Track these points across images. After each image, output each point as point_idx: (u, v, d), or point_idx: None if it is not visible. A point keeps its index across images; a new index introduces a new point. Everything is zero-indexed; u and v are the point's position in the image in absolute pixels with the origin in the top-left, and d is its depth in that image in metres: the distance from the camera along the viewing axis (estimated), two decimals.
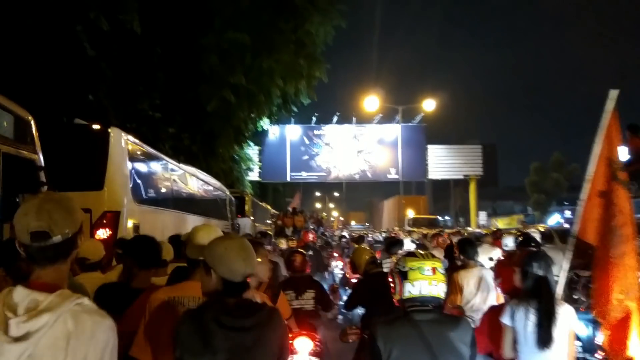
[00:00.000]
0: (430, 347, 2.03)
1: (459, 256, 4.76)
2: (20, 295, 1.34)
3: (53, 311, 1.30)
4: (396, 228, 27.74)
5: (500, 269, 3.70)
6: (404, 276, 2.19)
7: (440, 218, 32.60)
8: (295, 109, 24.36)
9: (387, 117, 30.68)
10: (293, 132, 30.54)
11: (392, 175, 31.12)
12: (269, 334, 1.89)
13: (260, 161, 28.52)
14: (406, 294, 2.17)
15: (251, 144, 24.81)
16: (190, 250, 2.42)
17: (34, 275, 1.40)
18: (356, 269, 4.69)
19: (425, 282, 2.14)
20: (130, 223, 5.62)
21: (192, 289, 2.24)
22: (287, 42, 18.85)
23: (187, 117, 16.73)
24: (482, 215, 33.48)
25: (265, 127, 25.67)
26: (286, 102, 22.27)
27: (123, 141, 5.85)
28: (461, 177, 32.67)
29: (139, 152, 6.57)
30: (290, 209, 18.82)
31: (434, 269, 2.17)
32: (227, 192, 13.80)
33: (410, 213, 32.34)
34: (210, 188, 11.66)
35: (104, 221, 5.23)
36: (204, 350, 1.77)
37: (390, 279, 2.30)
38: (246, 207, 16.69)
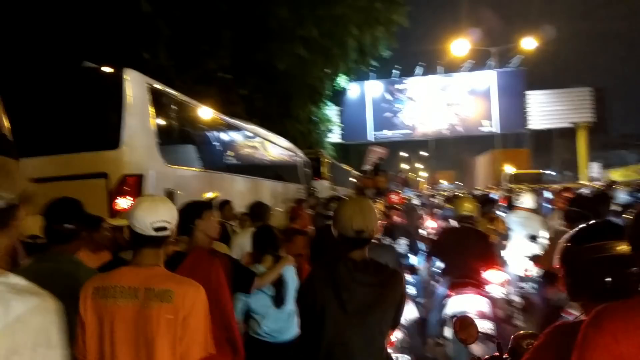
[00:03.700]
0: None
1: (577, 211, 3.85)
2: None
3: None
4: (492, 186, 25.29)
5: None
6: None
7: (544, 172, 29.19)
8: (374, 63, 22.70)
9: (479, 62, 27.63)
10: (373, 88, 28.66)
11: (486, 128, 28.26)
12: (389, 293, 2.09)
13: (340, 122, 27.24)
14: None
15: (330, 104, 23.75)
16: (134, 224, 1.93)
17: None
18: None
19: None
20: (159, 189, 4.52)
21: (126, 277, 1.86)
22: None
23: (259, 77, 15.92)
24: (594, 167, 29.41)
25: (343, 86, 24.30)
26: (363, 54, 20.69)
27: (143, 87, 4.66)
28: (567, 125, 28.92)
29: (167, 101, 5.33)
30: (369, 166, 17.38)
31: None
32: (300, 153, 12.61)
33: (509, 169, 29.28)
34: (277, 148, 10.41)
35: (125, 187, 4.19)
36: (334, 299, 2.02)
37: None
38: (323, 169, 15.47)
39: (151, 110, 4.70)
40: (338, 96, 25.78)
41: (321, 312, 2.03)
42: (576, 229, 1.60)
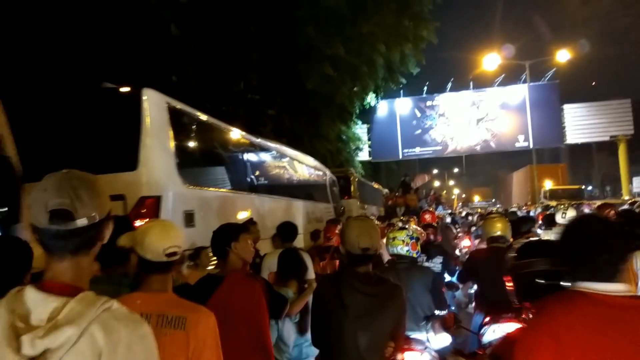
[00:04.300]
0: (405, 282, 3.05)
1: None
2: (33, 299, 1.08)
3: (76, 322, 1.05)
4: (529, 203, 24.50)
5: None
6: (387, 242, 3.74)
7: (583, 188, 28.00)
8: (403, 80, 22.48)
9: (511, 77, 27.09)
10: (403, 105, 28.40)
11: (521, 143, 27.46)
12: (388, 303, 2.32)
13: (369, 140, 27.05)
14: (391, 252, 3.73)
15: (359, 122, 23.64)
16: (145, 251, 1.90)
17: (49, 272, 1.15)
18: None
19: (400, 246, 3.63)
20: (178, 211, 4.40)
21: (137, 303, 1.77)
22: (389, 1, 16.99)
23: (288, 97, 15.95)
24: (637, 182, 28.07)
25: (372, 104, 24.16)
26: (392, 71, 20.51)
27: (163, 106, 4.54)
28: (607, 138, 27.82)
29: (188, 121, 5.19)
30: (404, 178, 17.07)
31: (403, 238, 3.67)
32: (328, 172, 12.42)
33: (547, 185, 28.22)
34: (304, 167, 10.21)
35: (142, 210, 4.05)
36: (338, 305, 2.28)
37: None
38: (352, 188, 15.21)
39: (170, 130, 4.59)
40: (367, 114, 25.64)
41: (327, 316, 2.33)
42: (520, 245, 1.91)
